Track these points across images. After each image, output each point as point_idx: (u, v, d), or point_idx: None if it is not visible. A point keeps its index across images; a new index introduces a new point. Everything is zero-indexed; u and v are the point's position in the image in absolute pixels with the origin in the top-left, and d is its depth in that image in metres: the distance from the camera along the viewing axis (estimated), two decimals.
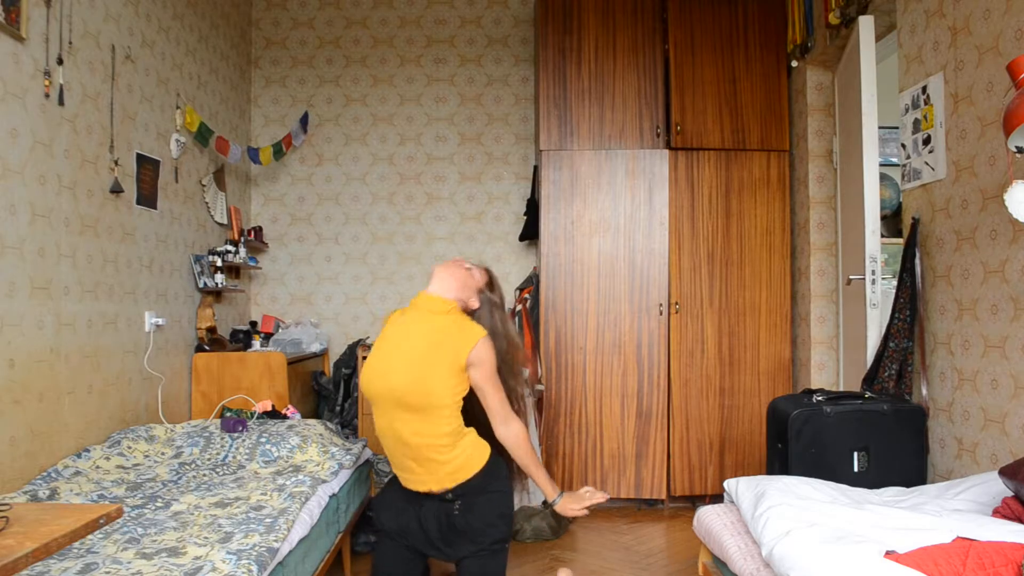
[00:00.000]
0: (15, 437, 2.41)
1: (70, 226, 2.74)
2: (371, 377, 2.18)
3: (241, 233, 4.42)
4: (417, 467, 2.16)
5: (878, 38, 3.20)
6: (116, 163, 3.04)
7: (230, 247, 4.12)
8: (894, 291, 2.91)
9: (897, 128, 3.04)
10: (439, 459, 2.13)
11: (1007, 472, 1.95)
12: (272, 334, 4.41)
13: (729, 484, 2.42)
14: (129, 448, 2.82)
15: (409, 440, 2.13)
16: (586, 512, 2.24)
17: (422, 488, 2.18)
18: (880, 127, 3.10)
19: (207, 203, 4.01)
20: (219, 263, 3.98)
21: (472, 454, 2.17)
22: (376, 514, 2.32)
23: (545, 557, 3.22)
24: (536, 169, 4.40)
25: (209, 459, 2.85)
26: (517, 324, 4.18)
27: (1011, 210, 2.00)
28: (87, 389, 2.83)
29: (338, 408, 4.34)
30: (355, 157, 4.83)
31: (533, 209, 4.44)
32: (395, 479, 2.30)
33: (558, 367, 3.96)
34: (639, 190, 3.99)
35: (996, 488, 2.10)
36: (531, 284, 4.35)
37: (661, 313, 3.95)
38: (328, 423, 3.30)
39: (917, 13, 2.85)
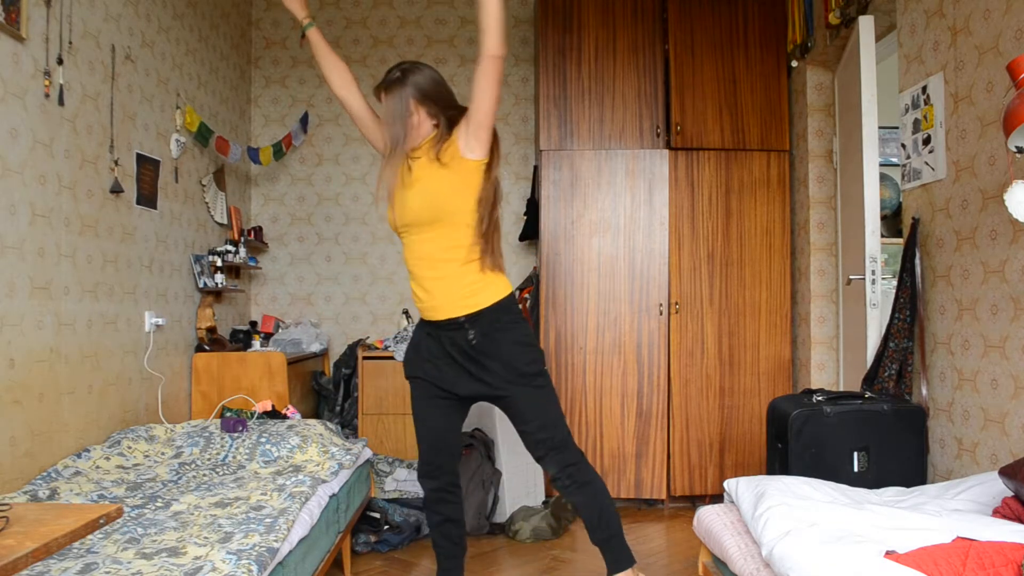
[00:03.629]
0: (15, 437, 2.41)
1: (70, 226, 2.74)
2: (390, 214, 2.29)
3: (241, 233, 4.42)
4: (436, 290, 2.21)
5: (878, 38, 3.20)
6: (116, 163, 3.04)
7: (230, 247, 4.12)
8: (894, 291, 2.91)
9: (897, 128, 3.05)
10: (459, 279, 2.20)
11: (1007, 472, 1.95)
12: (272, 334, 4.41)
13: (729, 484, 2.42)
14: (129, 448, 2.82)
15: (435, 256, 2.21)
16: None
17: (441, 316, 2.22)
18: (880, 127, 3.10)
19: (207, 203, 4.01)
20: (219, 263, 3.98)
21: (489, 286, 2.24)
22: (405, 367, 2.38)
23: (545, 557, 3.22)
24: (536, 169, 4.40)
25: (209, 459, 2.85)
26: None
27: (1011, 210, 2.00)
28: (87, 389, 2.83)
29: (338, 408, 4.34)
30: (355, 157, 4.83)
31: (533, 209, 4.44)
32: (416, 331, 2.37)
33: (558, 367, 3.96)
34: (639, 190, 3.99)
35: (996, 488, 2.10)
36: (531, 284, 4.35)
37: (661, 313, 3.95)
38: (328, 423, 3.30)
39: (917, 13, 2.85)
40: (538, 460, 2.31)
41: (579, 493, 2.27)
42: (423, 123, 2.22)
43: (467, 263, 2.21)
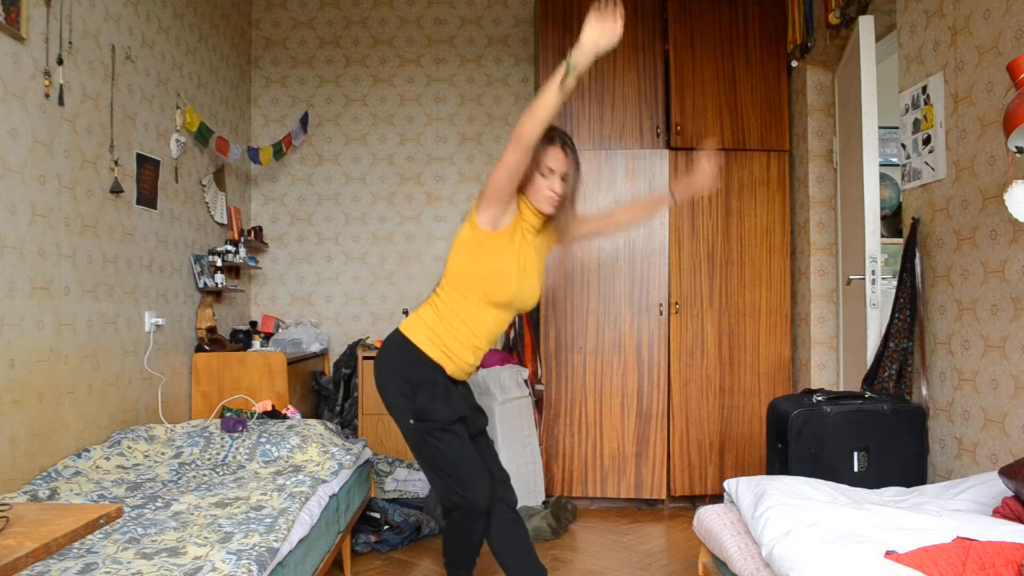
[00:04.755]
0: (15, 437, 2.41)
1: (70, 226, 2.74)
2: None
3: (241, 233, 4.42)
4: (480, 360, 2.37)
5: (878, 38, 3.20)
6: (116, 163, 3.04)
7: (230, 247, 4.12)
8: (894, 291, 2.91)
9: (897, 128, 3.05)
10: None
11: (1007, 472, 1.95)
12: (272, 334, 4.41)
13: (729, 484, 2.42)
14: (129, 448, 2.82)
15: (498, 334, 2.36)
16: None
17: (460, 376, 2.34)
18: (880, 127, 3.10)
19: (207, 203, 4.01)
20: (219, 263, 3.98)
21: None
22: (436, 412, 2.24)
23: (545, 557, 3.21)
24: None
25: (209, 459, 2.85)
26: (517, 324, 4.18)
27: (1011, 210, 2.00)
28: (87, 389, 2.83)
29: (338, 408, 4.34)
30: (355, 157, 4.83)
31: None
32: (437, 379, 2.27)
33: (558, 367, 3.96)
34: (639, 190, 3.99)
35: (996, 488, 2.10)
36: None
37: (661, 313, 3.95)
38: (328, 423, 3.30)
39: (917, 13, 2.85)
40: (507, 488, 2.40)
41: (522, 524, 2.42)
42: None
43: None
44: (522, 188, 2.23)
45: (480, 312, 2.25)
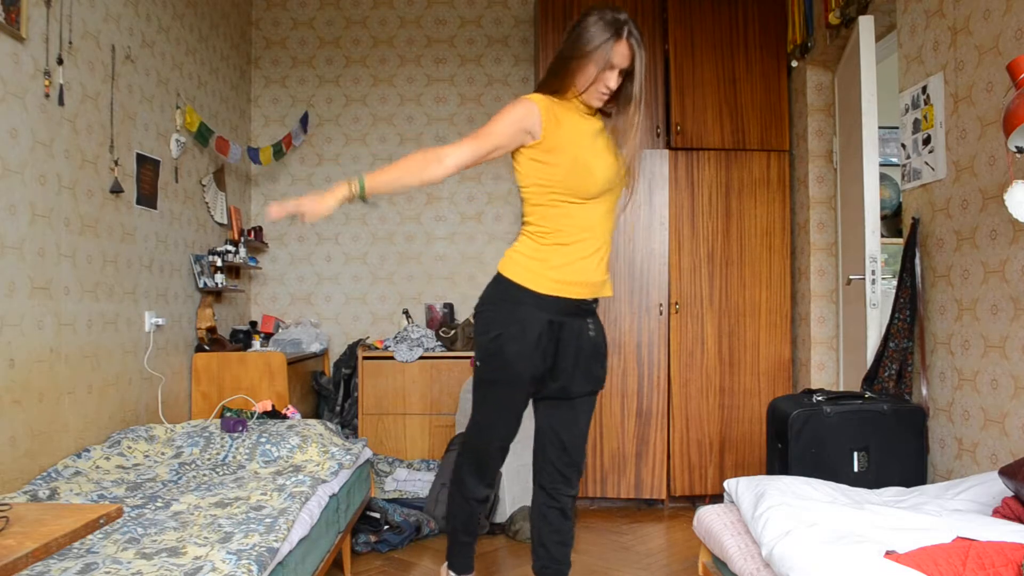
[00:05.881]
0: (15, 437, 2.41)
1: (70, 226, 2.74)
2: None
3: (241, 233, 4.42)
4: (600, 264, 2.08)
5: (878, 38, 3.20)
6: (116, 163, 3.04)
7: (230, 247, 4.12)
8: (894, 291, 2.91)
9: (897, 128, 3.05)
10: (607, 256, 2.13)
11: (1007, 472, 1.95)
12: (272, 334, 4.41)
13: (729, 484, 2.42)
14: (129, 448, 2.82)
15: (609, 225, 2.11)
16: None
17: (586, 293, 2.07)
18: (880, 127, 3.10)
19: (207, 203, 4.01)
20: (219, 263, 3.98)
21: None
22: (501, 372, 2.08)
23: None
24: None
25: (209, 459, 2.85)
26: None
27: (1011, 210, 2.00)
28: (87, 389, 2.83)
29: (338, 408, 4.34)
30: (355, 157, 4.83)
31: None
32: (524, 335, 2.04)
33: None
34: (639, 190, 3.99)
35: (996, 488, 2.10)
36: None
37: (661, 313, 3.95)
38: (328, 423, 3.30)
39: (917, 13, 2.85)
40: (559, 480, 2.21)
41: (560, 513, 2.26)
42: None
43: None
44: (574, 81, 2.05)
45: (582, 213, 2.03)
